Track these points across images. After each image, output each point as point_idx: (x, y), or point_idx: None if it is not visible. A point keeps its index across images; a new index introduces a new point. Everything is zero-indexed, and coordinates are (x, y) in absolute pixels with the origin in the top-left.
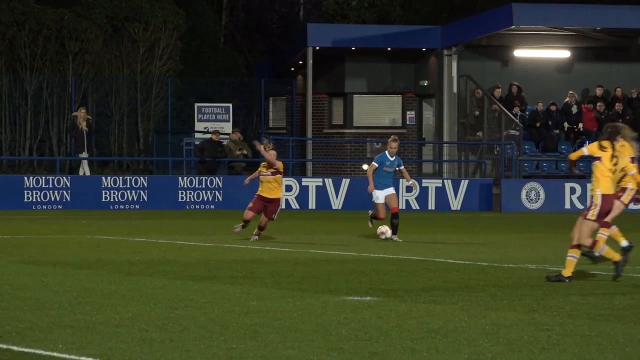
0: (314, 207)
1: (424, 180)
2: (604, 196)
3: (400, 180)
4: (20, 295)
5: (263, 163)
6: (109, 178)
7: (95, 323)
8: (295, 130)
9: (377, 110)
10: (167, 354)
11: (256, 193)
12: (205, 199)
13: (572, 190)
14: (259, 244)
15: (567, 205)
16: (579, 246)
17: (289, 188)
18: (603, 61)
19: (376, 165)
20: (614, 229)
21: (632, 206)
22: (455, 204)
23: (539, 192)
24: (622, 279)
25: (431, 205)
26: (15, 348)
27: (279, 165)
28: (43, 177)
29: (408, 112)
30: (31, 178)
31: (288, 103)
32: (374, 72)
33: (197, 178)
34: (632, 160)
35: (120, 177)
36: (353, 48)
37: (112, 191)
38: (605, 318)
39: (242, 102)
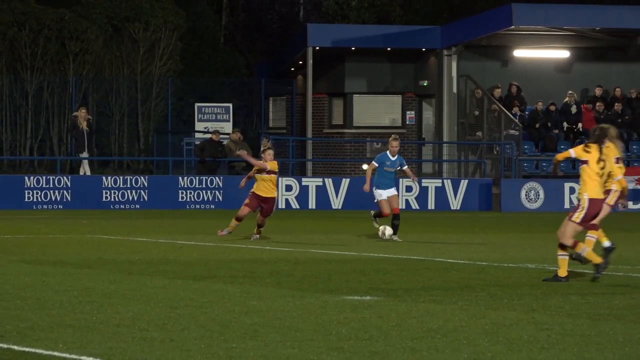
0: (314, 206)
1: (423, 180)
2: (591, 200)
3: (401, 180)
4: (21, 295)
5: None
6: (109, 178)
7: (95, 322)
8: (295, 130)
9: (377, 110)
10: (168, 353)
11: (251, 190)
12: (206, 198)
13: (572, 190)
14: (259, 244)
15: (567, 205)
16: (565, 247)
17: (289, 188)
18: (602, 61)
19: (375, 164)
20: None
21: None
22: (455, 203)
23: (538, 192)
24: (620, 279)
25: (431, 205)
26: (16, 347)
27: (271, 166)
28: (44, 177)
29: (408, 112)
30: (32, 178)
31: (288, 103)
32: (374, 72)
33: (197, 178)
34: (617, 160)
35: (121, 177)
36: (353, 48)
37: (112, 191)
38: (605, 317)
39: (242, 102)
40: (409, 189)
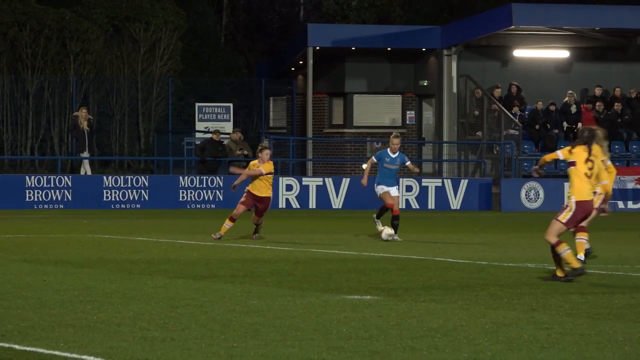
0: (314, 206)
1: (423, 180)
2: (578, 203)
3: (401, 180)
4: (22, 294)
5: (253, 162)
6: (110, 177)
7: (96, 322)
8: (295, 130)
9: (377, 110)
10: (168, 352)
11: (246, 188)
12: (206, 198)
13: None
14: (260, 243)
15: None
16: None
17: (289, 187)
18: (602, 61)
19: (375, 160)
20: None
21: (631, 205)
22: (455, 203)
23: (538, 192)
24: (619, 278)
25: (431, 204)
26: (17, 347)
27: (267, 169)
28: (44, 177)
29: (408, 112)
30: (33, 177)
31: (288, 103)
32: (374, 72)
33: (197, 177)
34: (602, 162)
35: (122, 177)
36: (353, 48)
37: (113, 190)
38: (605, 317)
39: (242, 102)
40: (409, 188)
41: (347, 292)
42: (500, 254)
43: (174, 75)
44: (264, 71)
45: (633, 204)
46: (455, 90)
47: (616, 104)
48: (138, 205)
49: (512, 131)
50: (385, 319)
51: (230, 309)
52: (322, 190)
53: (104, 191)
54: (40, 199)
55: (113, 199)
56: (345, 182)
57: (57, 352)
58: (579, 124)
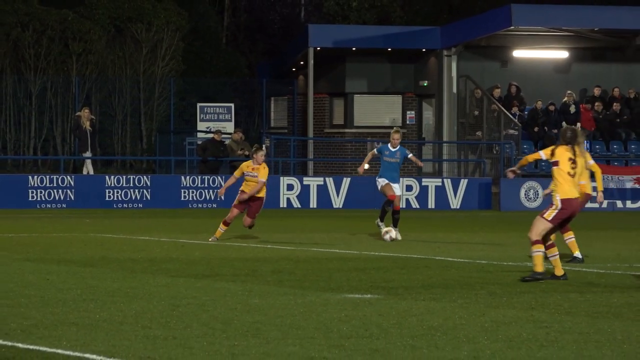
0: (315, 206)
1: (423, 180)
2: (563, 200)
3: (401, 179)
4: (25, 293)
5: (246, 163)
6: (112, 177)
7: (99, 320)
8: (296, 130)
9: (377, 110)
10: (170, 351)
11: (240, 189)
12: (208, 197)
13: None
14: (261, 242)
15: None
16: (552, 244)
17: (290, 187)
18: (601, 61)
19: (376, 152)
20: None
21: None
22: (455, 202)
23: (537, 191)
24: (618, 277)
25: (431, 204)
26: (20, 345)
27: (263, 175)
28: (47, 176)
29: (408, 112)
30: (35, 177)
31: (289, 103)
32: (375, 72)
33: (199, 177)
34: (586, 162)
35: (124, 176)
36: (354, 48)
37: (115, 190)
38: (604, 315)
39: (243, 102)
40: (409, 188)
41: (347, 291)
42: (499, 253)
43: (176, 75)
44: (265, 71)
45: (632, 203)
46: (455, 90)
47: (615, 104)
48: (140, 205)
49: (511, 131)
50: (385, 318)
51: (232, 308)
52: (322, 190)
53: (107, 191)
54: (43, 199)
55: (115, 199)
56: (346, 181)
57: (59, 351)
58: (578, 124)
